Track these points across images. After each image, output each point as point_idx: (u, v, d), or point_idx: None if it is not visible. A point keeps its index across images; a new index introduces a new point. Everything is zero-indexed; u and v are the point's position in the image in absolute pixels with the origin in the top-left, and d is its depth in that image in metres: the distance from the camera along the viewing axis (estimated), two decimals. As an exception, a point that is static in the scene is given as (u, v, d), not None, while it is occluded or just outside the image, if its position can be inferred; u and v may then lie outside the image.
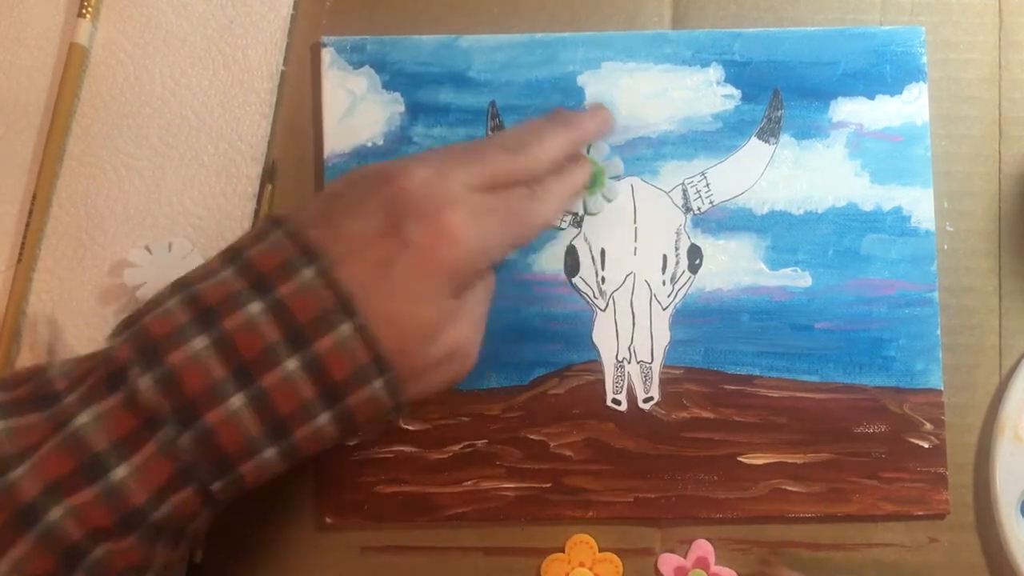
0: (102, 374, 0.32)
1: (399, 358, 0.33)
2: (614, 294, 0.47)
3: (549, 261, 0.47)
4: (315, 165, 0.48)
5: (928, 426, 0.46)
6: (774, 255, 0.47)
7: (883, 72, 0.47)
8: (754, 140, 0.47)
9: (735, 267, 0.47)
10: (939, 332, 0.46)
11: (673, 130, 0.47)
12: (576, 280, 0.47)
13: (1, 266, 0.48)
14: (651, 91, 0.47)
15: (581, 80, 0.47)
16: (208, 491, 0.33)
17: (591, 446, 0.46)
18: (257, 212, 0.48)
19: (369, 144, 0.47)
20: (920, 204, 0.47)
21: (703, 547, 0.46)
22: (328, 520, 0.46)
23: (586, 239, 0.47)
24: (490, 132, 0.47)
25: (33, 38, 0.48)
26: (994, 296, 0.47)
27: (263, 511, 0.47)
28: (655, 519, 0.46)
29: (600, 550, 0.46)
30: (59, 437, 0.31)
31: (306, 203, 0.35)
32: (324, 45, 0.48)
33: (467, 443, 0.46)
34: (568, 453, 0.46)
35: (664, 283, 0.47)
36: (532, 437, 0.46)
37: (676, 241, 0.47)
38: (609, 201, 0.47)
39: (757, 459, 0.46)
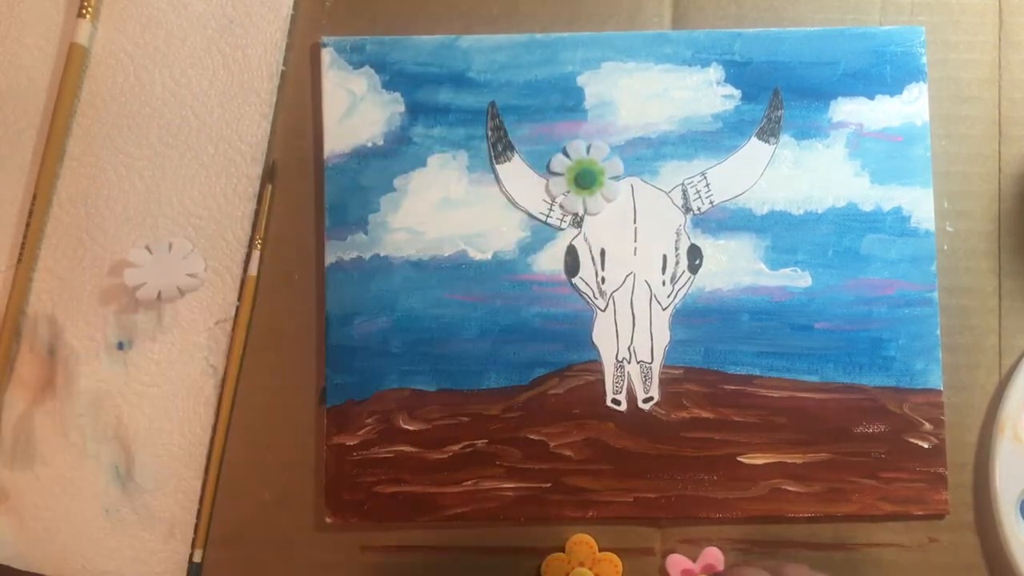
0: None
1: None
2: (614, 294, 0.47)
3: (549, 261, 0.47)
4: (315, 165, 0.48)
5: (928, 426, 0.46)
6: (774, 255, 0.47)
7: (883, 72, 0.47)
8: (754, 140, 0.47)
9: (735, 267, 0.47)
10: (939, 332, 0.46)
11: (673, 130, 0.47)
12: (576, 280, 0.47)
13: (1, 266, 0.48)
14: (651, 91, 0.47)
15: (581, 80, 0.47)
16: None
17: (591, 446, 0.46)
18: (257, 212, 0.48)
19: (369, 144, 0.47)
20: (920, 204, 0.47)
21: (714, 555, 0.46)
22: (328, 520, 0.46)
23: (586, 239, 0.47)
24: (490, 132, 0.47)
25: (33, 38, 0.48)
26: (994, 296, 0.47)
27: (263, 511, 0.47)
28: (655, 519, 0.47)
29: (600, 550, 0.46)
30: None
31: None
32: (324, 45, 0.48)
33: (467, 443, 0.46)
34: (568, 453, 0.46)
35: (664, 283, 0.47)
36: (532, 437, 0.46)
37: (676, 241, 0.47)
38: (609, 201, 0.47)
39: (757, 459, 0.46)
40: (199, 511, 0.47)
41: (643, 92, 0.47)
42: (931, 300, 0.46)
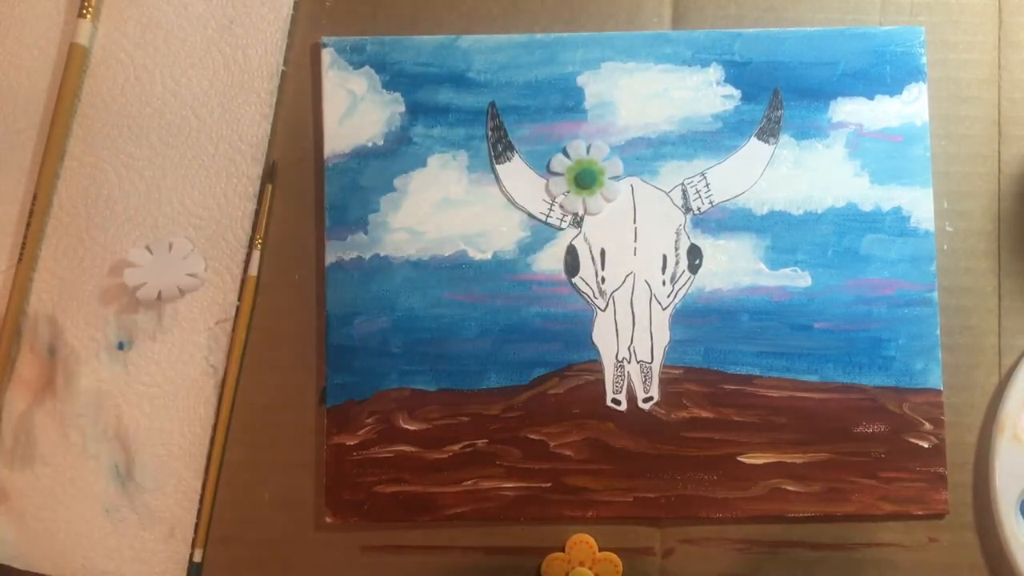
0: None
1: None
2: (614, 294, 0.47)
3: (549, 261, 0.47)
4: (315, 165, 0.48)
5: (927, 426, 0.46)
6: (774, 255, 0.47)
7: (883, 72, 0.47)
8: (754, 140, 0.47)
9: (735, 267, 0.47)
10: (938, 332, 0.46)
11: (673, 130, 0.47)
12: (576, 280, 0.47)
13: (1, 266, 0.48)
14: (651, 91, 0.47)
15: (581, 80, 0.47)
16: None
17: (591, 446, 0.46)
18: (257, 212, 0.48)
19: (369, 144, 0.47)
20: (919, 204, 0.47)
21: None
22: (328, 520, 0.46)
23: (586, 239, 0.47)
24: (490, 132, 0.47)
25: (33, 38, 0.48)
26: (993, 296, 0.47)
27: (263, 511, 0.47)
28: (655, 519, 0.47)
29: (600, 550, 0.46)
30: None
31: None
32: (324, 45, 0.48)
33: (467, 443, 0.46)
34: (568, 453, 0.46)
35: (664, 283, 0.47)
36: (532, 437, 0.46)
37: (676, 241, 0.47)
38: (609, 201, 0.47)
39: (757, 459, 0.46)
40: (199, 511, 0.47)
41: (643, 92, 0.47)
42: (931, 300, 0.46)
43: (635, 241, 0.47)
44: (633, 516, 0.46)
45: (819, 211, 0.47)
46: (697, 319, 0.47)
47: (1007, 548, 0.45)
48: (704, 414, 0.46)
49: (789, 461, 0.46)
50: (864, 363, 0.46)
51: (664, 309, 0.47)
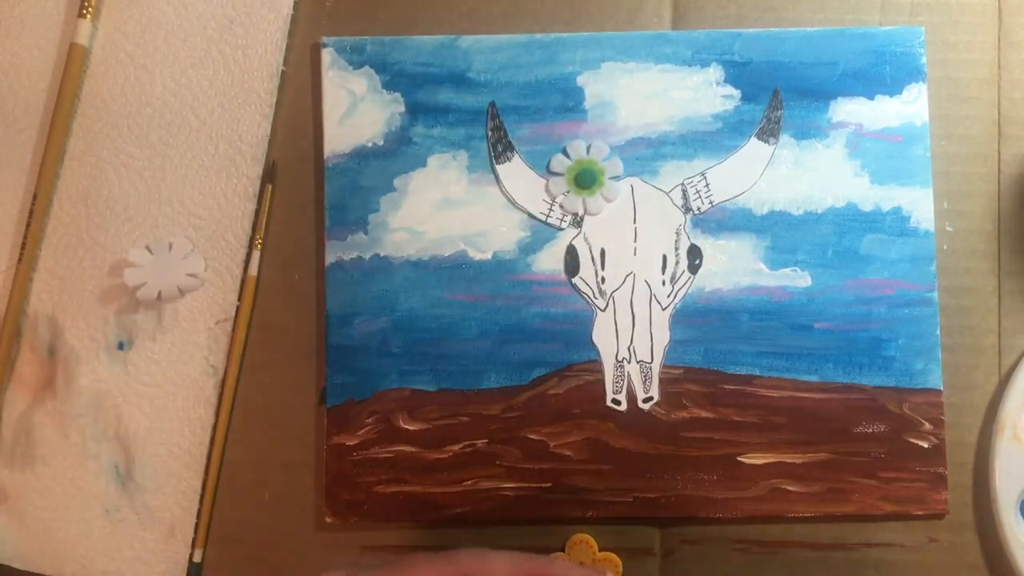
0: None
1: None
2: (614, 294, 0.47)
3: (549, 261, 0.47)
4: (315, 165, 0.48)
5: (927, 426, 0.46)
6: (774, 255, 0.47)
7: (883, 72, 0.47)
8: (754, 140, 0.47)
9: (735, 267, 0.47)
10: (938, 332, 0.46)
11: (673, 130, 0.47)
12: (576, 280, 0.47)
13: (1, 266, 0.48)
14: (651, 91, 0.47)
15: (581, 80, 0.47)
16: None
17: (591, 446, 0.46)
18: (257, 212, 0.48)
19: (369, 144, 0.47)
20: (919, 204, 0.47)
21: None
22: (328, 520, 0.46)
23: (586, 239, 0.47)
24: (490, 132, 0.47)
25: (33, 38, 0.48)
26: (993, 296, 0.47)
27: (263, 511, 0.47)
28: (655, 519, 0.47)
29: (600, 550, 0.46)
30: None
31: None
32: (324, 45, 0.48)
33: (467, 443, 0.46)
34: (568, 453, 0.46)
35: (664, 283, 0.47)
36: (532, 437, 0.46)
37: (676, 241, 0.47)
38: (609, 201, 0.47)
39: (756, 459, 0.46)
40: (199, 511, 0.47)
41: (643, 92, 0.47)
42: (931, 300, 0.46)
43: (635, 241, 0.47)
44: (633, 516, 0.46)
45: (819, 211, 0.47)
46: (697, 319, 0.47)
47: (1007, 548, 0.45)
48: (704, 414, 0.46)
49: (789, 461, 0.46)
50: (864, 363, 0.46)
51: (664, 309, 0.47)
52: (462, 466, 0.46)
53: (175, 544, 0.47)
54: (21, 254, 0.47)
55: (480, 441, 0.46)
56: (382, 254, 0.47)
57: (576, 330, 0.47)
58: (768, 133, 0.47)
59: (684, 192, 0.47)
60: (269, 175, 0.48)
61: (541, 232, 0.47)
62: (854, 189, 0.47)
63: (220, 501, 0.47)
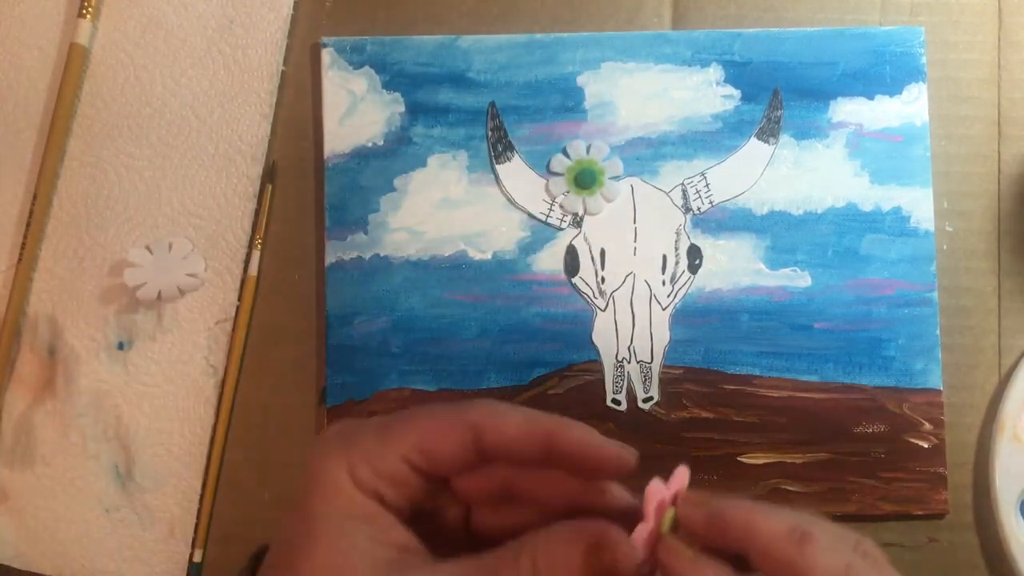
0: None
1: None
2: (614, 294, 0.47)
3: (549, 261, 0.47)
4: (315, 165, 0.48)
5: (927, 426, 0.46)
6: (774, 255, 0.47)
7: (883, 72, 0.47)
8: (754, 140, 0.47)
9: (735, 267, 0.47)
10: (938, 332, 0.46)
11: (673, 130, 0.47)
12: (576, 280, 0.47)
13: (1, 266, 0.48)
14: (651, 91, 0.47)
15: (581, 80, 0.47)
16: None
17: (591, 446, 0.46)
18: (257, 212, 0.48)
19: (369, 144, 0.47)
20: (919, 204, 0.47)
21: (681, 477, 0.33)
22: (328, 520, 0.46)
23: (586, 239, 0.47)
24: (490, 132, 0.47)
25: (33, 38, 0.48)
26: (993, 296, 0.47)
27: (263, 511, 0.47)
28: (655, 519, 0.46)
29: (600, 550, 0.46)
30: None
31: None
32: (324, 45, 0.48)
33: (467, 443, 0.46)
34: (568, 453, 0.46)
35: (664, 283, 0.47)
36: (532, 437, 0.46)
37: (676, 241, 0.47)
38: (609, 201, 0.47)
39: (756, 459, 0.46)
40: (199, 511, 0.47)
41: (643, 92, 0.47)
42: (931, 300, 0.46)
43: (635, 241, 0.47)
44: (633, 516, 0.46)
45: (819, 211, 0.47)
46: (697, 319, 0.47)
47: (1007, 548, 0.45)
48: (704, 414, 0.46)
49: (789, 461, 0.46)
50: (864, 363, 0.46)
51: (664, 309, 0.47)
52: (462, 466, 0.46)
53: (175, 544, 0.47)
54: (21, 254, 0.47)
55: (480, 441, 0.46)
56: (382, 254, 0.47)
57: (576, 330, 0.47)
58: (768, 133, 0.47)
59: (684, 192, 0.47)
60: (269, 175, 0.48)
61: (541, 232, 0.47)
62: (854, 189, 0.47)
63: (220, 501, 0.47)
